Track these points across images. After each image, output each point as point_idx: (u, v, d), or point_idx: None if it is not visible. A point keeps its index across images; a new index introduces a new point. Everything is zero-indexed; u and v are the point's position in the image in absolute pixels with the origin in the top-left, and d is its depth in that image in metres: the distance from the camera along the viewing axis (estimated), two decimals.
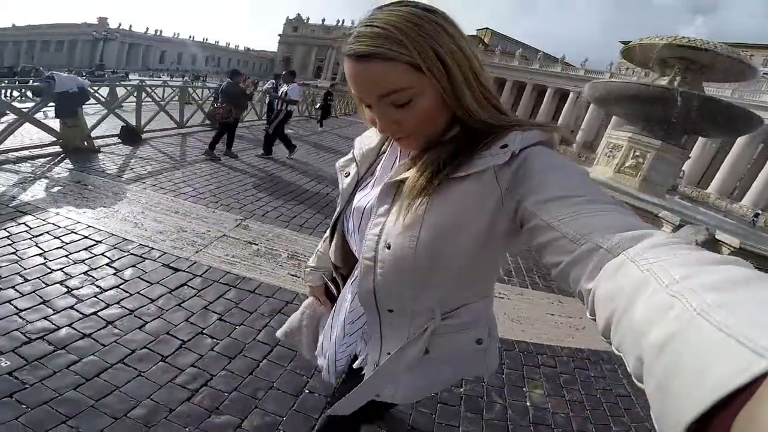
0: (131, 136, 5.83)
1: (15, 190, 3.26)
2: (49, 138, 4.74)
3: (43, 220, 2.77)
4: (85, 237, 2.65)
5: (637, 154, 8.97)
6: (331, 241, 0.76)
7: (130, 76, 33.98)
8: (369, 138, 0.74)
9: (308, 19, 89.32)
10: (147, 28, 72.83)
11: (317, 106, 12.72)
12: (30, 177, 3.64)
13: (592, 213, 0.39)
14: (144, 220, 3.09)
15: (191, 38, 79.54)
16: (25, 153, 4.29)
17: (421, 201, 0.52)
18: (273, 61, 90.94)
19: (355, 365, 0.73)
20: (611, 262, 0.34)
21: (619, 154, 9.18)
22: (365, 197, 0.66)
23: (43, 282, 2.08)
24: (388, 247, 0.55)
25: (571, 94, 42.51)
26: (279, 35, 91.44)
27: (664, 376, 0.23)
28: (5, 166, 3.81)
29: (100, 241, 2.63)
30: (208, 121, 7.66)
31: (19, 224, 2.66)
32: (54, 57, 63.79)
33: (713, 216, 11.37)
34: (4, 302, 1.87)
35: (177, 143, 6.35)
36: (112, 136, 5.67)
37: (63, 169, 4.04)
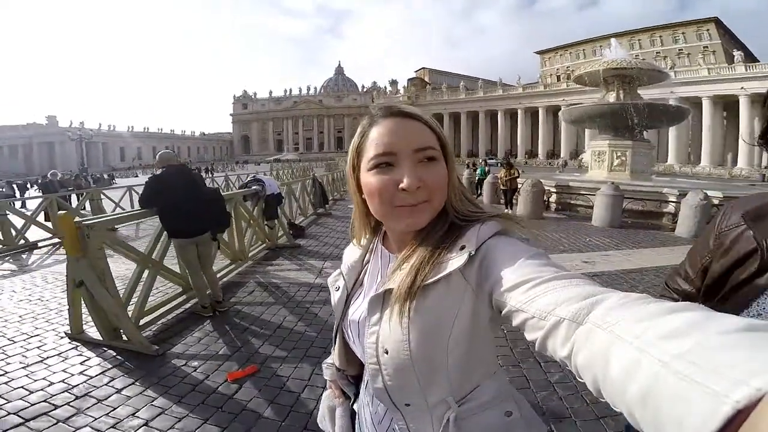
0: (297, 229, 6.58)
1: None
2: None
3: None
4: None
5: (619, 154, 11.42)
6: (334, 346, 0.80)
7: (116, 180, 31.15)
8: (352, 251, 0.78)
9: (255, 94, 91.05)
10: (100, 125, 67.42)
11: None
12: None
13: (551, 290, 0.44)
14: None
15: (146, 130, 77.18)
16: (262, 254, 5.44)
17: (404, 309, 0.56)
18: (231, 143, 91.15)
19: None
20: (579, 331, 0.37)
21: (606, 157, 11.58)
22: (357, 310, 0.70)
23: None
24: (386, 353, 0.59)
25: (519, 112, 47.63)
26: (231, 114, 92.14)
27: (653, 427, 0.26)
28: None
29: None
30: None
31: None
32: (10, 164, 58.36)
33: (687, 181, 14.29)
34: None
35: (327, 229, 7.57)
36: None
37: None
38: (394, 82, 65.22)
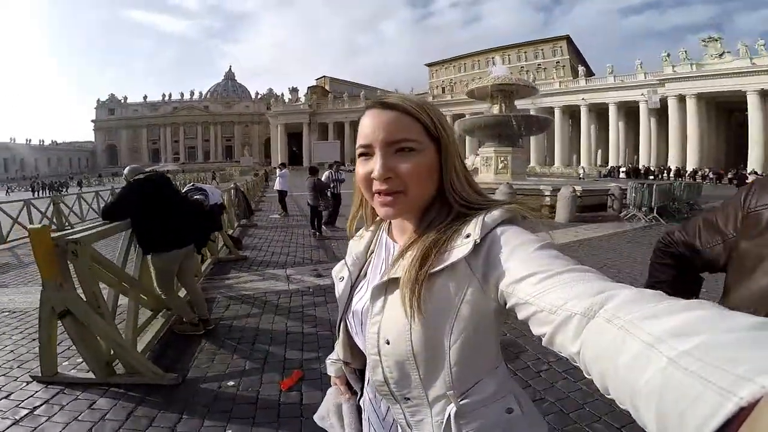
0: (236, 241, 6.35)
1: None
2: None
3: None
4: None
5: (502, 159, 13.82)
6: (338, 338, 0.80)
7: None
8: (357, 242, 0.79)
9: (126, 98, 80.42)
10: None
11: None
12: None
13: (562, 284, 0.43)
14: None
15: None
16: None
17: (407, 299, 0.55)
18: (94, 153, 78.87)
19: None
20: (590, 326, 0.37)
21: (492, 162, 13.87)
22: (361, 300, 0.70)
23: None
24: (388, 343, 0.59)
25: None
26: (93, 121, 79.37)
27: (656, 423, 0.26)
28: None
29: None
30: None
31: None
32: None
33: (550, 179, 17.86)
34: None
35: (262, 239, 7.66)
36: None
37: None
38: (294, 90, 63.98)
